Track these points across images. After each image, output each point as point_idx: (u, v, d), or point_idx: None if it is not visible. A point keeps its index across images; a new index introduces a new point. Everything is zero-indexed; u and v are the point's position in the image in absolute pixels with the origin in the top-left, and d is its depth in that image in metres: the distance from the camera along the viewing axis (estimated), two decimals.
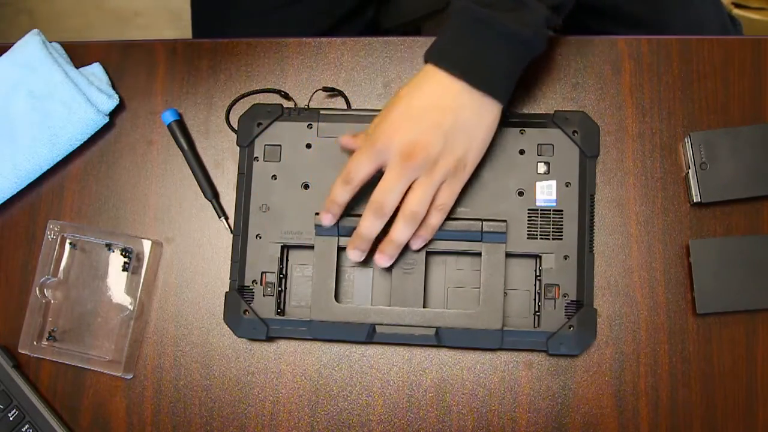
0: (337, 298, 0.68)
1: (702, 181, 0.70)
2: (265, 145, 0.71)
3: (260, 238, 0.70)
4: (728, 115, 0.73)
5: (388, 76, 0.75)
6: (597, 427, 0.69)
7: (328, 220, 0.66)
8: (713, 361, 0.69)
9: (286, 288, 0.70)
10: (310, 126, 0.71)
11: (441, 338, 0.67)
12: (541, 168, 0.69)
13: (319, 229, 0.67)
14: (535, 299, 0.68)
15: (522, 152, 0.69)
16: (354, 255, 0.66)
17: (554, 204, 0.68)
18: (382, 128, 0.63)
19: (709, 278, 0.69)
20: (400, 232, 0.64)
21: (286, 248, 0.70)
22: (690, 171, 0.71)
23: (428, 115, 0.62)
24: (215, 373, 0.72)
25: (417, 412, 0.70)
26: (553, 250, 0.68)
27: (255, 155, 0.71)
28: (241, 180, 0.71)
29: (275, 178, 0.70)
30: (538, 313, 0.68)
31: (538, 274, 0.68)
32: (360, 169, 0.64)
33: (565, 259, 0.67)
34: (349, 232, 0.67)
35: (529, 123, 0.70)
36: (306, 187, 0.70)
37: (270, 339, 0.72)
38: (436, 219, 0.65)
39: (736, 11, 1.28)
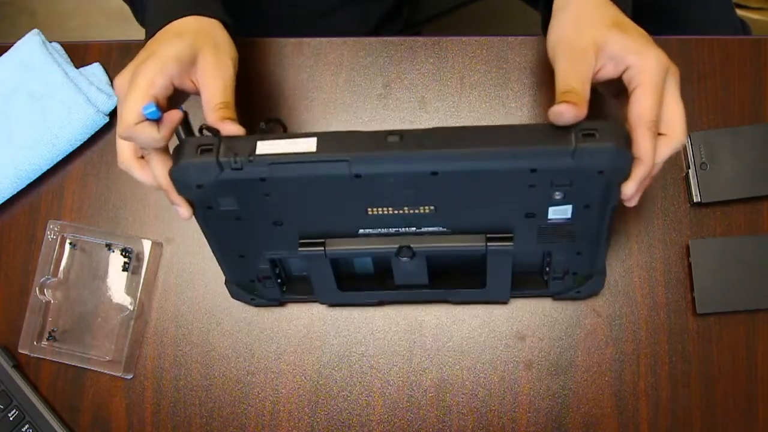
0: (340, 285, 0.67)
1: (702, 181, 0.70)
2: (216, 197, 0.58)
3: (244, 257, 0.65)
4: (728, 115, 0.73)
5: (388, 76, 0.75)
6: (597, 427, 0.69)
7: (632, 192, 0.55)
8: (713, 361, 0.69)
9: (287, 279, 0.70)
10: (263, 180, 0.55)
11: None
12: (557, 195, 0.56)
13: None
14: (542, 275, 0.68)
15: (533, 186, 0.55)
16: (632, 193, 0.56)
17: (569, 219, 0.59)
18: (638, 49, 0.56)
19: (709, 278, 0.69)
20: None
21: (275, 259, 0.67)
22: (690, 171, 0.71)
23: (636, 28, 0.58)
24: (215, 373, 0.72)
25: (417, 412, 0.70)
26: (564, 249, 0.63)
27: (209, 205, 0.59)
28: (202, 226, 0.62)
29: (240, 219, 0.60)
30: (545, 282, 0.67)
31: (547, 263, 0.65)
32: (656, 106, 0.54)
33: (578, 254, 0.63)
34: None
35: (540, 157, 0.53)
36: (279, 223, 0.61)
37: (282, 304, 0.73)
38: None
39: (736, 11, 1.28)
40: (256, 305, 0.72)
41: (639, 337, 0.70)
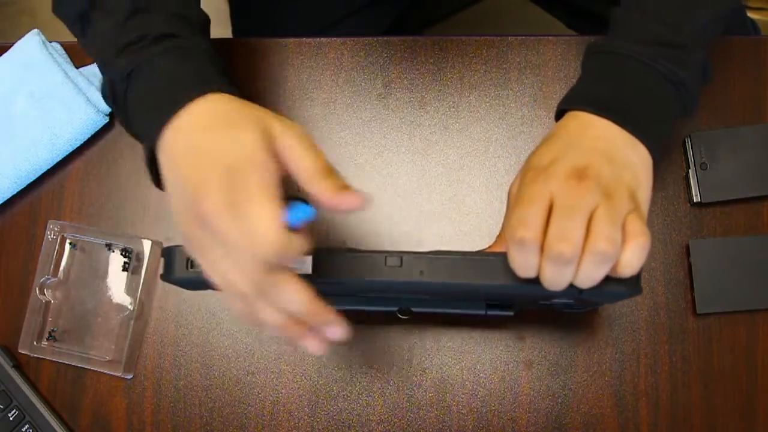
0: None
1: (702, 181, 0.70)
2: None
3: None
4: (728, 115, 0.72)
5: (388, 76, 0.75)
6: (597, 427, 0.69)
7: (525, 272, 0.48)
8: (713, 361, 0.69)
9: None
10: None
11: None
12: (560, 297, 0.55)
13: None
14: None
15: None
16: None
17: (572, 303, 0.58)
18: (538, 160, 0.51)
19: (709, 278, 0.69)
20: (588, 275, 0.47)
21: None
22: (690, 171, 0.71)
23: (583, 142, 0.51)
24: (215, 373, 0.72)
25: (417, 412, 0.70)
26: (564, 303, 0.61)
27: None
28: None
29: None
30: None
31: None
32: (531, 216, 0.47)
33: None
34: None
35: (545, 292, 0.50)
36: None
37: None
38: (634, 253, 0.47)
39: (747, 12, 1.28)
40: None
41: (639, 337, 0.70)
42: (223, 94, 0.52)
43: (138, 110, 0.55)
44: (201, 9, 0.62)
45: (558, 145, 0.52)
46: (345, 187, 0.47)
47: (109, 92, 0.57)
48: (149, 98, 0.53)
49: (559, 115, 0.56)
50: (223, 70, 0.58)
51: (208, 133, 0.48)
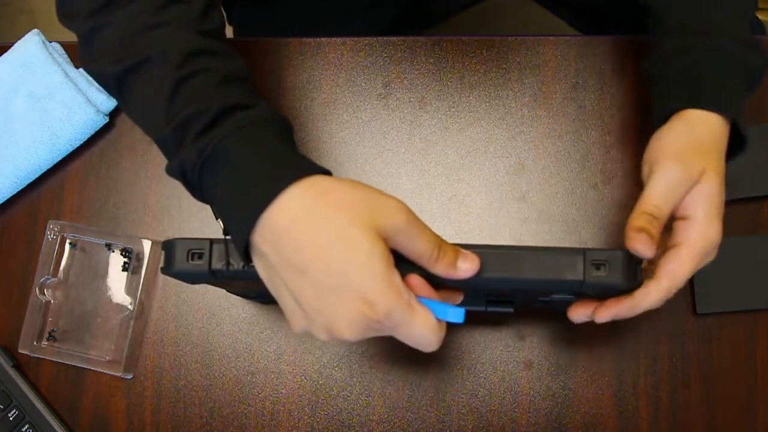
0: None
1: None
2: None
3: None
4: None
5: (388, 76, 0.75)
6: (597, 427, 0.69)
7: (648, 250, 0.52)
8: (713, 361, 0.69)
9: None
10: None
11: None
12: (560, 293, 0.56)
13: None
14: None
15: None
16: None
17: (572, 297, 0.58)
18: (690, 169, 0.55)
19: (709, 278, 0.69)
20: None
21: None
22: None
23: (717, 145, 0.59)
24: (215, 373, 0.72)
25: (417, 412, 0.70)
26: (564, 302, 0.60)
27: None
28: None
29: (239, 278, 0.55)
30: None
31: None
32: (672, 197, 0.54)
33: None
34: None
35: (547, 285, 0.51)
36: None
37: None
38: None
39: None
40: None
41: (639, 337, 0.70)
42: (311, 180, 0.48)
43: (215, 196, 0.52)
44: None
45: (703, 151, 0.56)
46: (456, 256, 0.49)
47: (177, 172, 0.52)
48: (231, 189, 0.50)
49: (664, 111, 0.59)
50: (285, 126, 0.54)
51: (322, 250, 0.46)
